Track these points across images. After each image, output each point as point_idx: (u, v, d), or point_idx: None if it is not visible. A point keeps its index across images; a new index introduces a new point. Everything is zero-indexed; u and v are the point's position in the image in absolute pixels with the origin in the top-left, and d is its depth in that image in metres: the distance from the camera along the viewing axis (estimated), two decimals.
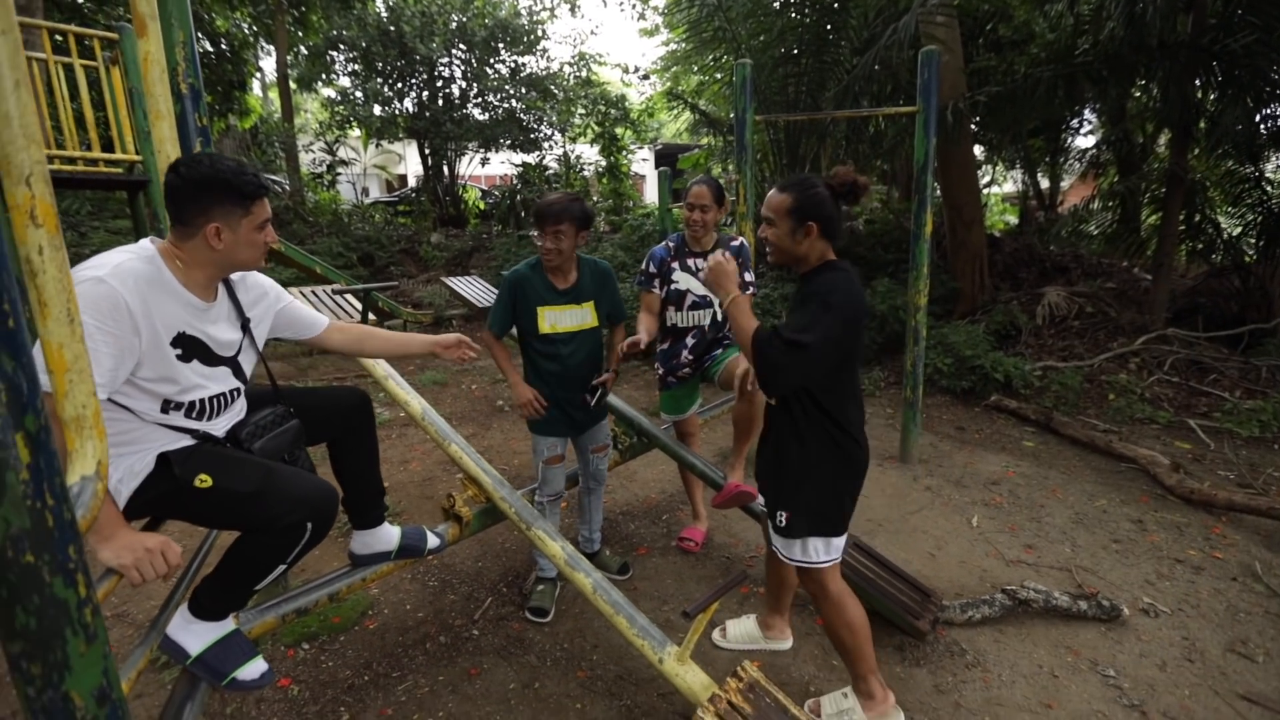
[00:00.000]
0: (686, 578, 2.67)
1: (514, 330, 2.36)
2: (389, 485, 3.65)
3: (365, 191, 16.86)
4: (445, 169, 12.77)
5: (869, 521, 3.11)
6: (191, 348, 1.42)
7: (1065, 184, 10.99)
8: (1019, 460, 3.88)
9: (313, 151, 12.13)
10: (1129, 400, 4.53)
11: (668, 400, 2.83)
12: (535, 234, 2.22)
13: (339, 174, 12.34)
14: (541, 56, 12.28)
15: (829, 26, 6.23)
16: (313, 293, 2.76)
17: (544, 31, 12.06)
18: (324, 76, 12.59)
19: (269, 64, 13.26)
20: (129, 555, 1.20)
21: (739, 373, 2.25)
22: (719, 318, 2.70)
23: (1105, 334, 5.50)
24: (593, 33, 19.62)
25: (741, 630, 2.23)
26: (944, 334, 5.26)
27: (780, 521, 1.75)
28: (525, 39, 11.80)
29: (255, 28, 11.41)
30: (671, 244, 2.69)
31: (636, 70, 13.19)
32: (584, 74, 12.42)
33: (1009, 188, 13.63)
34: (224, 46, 10.61)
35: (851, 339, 1.59)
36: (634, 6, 14.75)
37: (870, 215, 8.75)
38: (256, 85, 14.72)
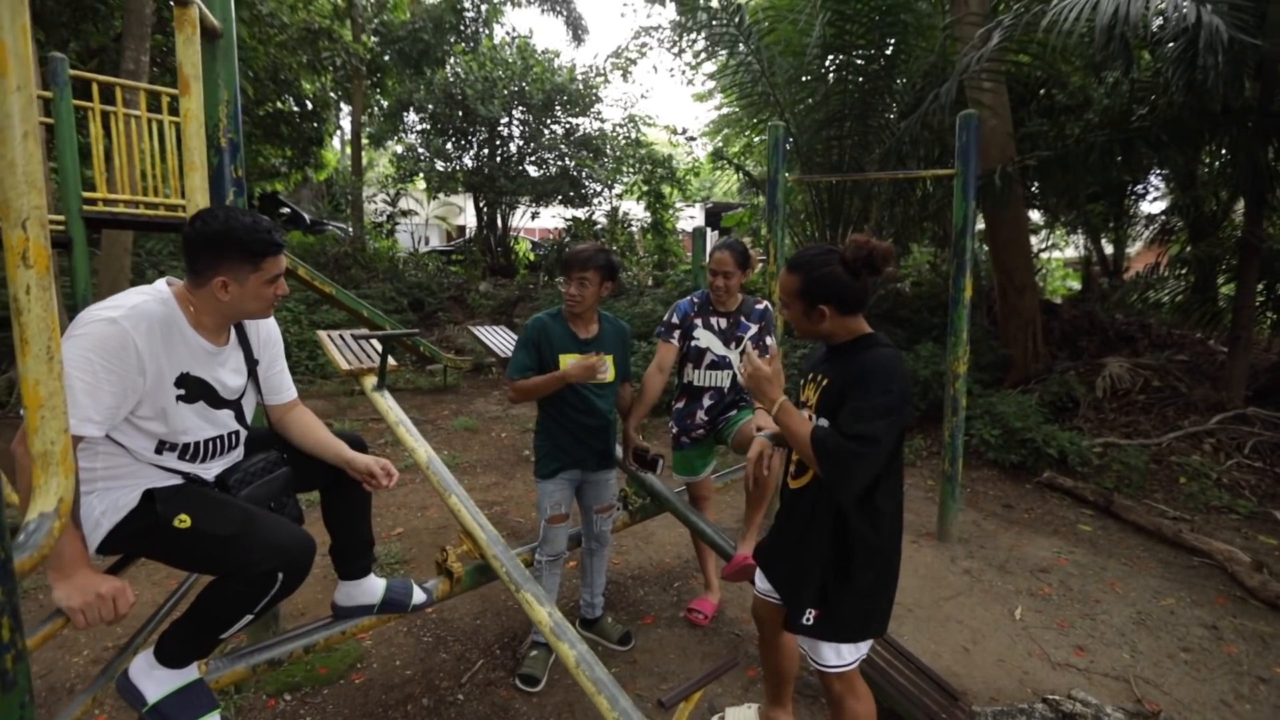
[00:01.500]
0: (691, 654, 2.49)
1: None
2: (405, 530, 3.63)
3: (425, 240, 17.73)
4: (499, 221, 13.33)
5: (896, 605, 2.82)
6: (195, 389, 1.45)
7: (1131, 250, 10.49)
8: (1073, 546, 3.53)
9: (375, 202, 12.91)
10: (1203, 485, 4.12)
11: (680, 461, 2.73)
12: (560, 280, 2.27)
13: (398, 223, 13.05)
14: (595, 118, 12.84)
15: (873, 91, 6.27)
16: (340, 336, 2.82)
17: (598, 95, 12.64)
18: (394, 135, 13.52)
19: (346, 122, 14.40)
20: (79, 598, 1.18)
21: (753, 456, 1.87)
22: (739, 379, 2.61)
23: (1175, 411, 5.07)
24: (643, 96, 20.51)
25: None
26: (992, 403, 4.96)
27: (807, 619, 1.57)
28: (581, 102, 12.39)
29: (337, 91, 12.43)
30: (697, 300, 2.66)
31: (683, 132, 13.60)
32: (634, 135, 12.88)
33: (1071, 253, 13.13)
34: (308, 106, 11.57)
35: (903, 421, 1.46)
36: (683, 73, 15.37)
37: (917, 277, 8.53)
38: (336, 141, 15.93)
